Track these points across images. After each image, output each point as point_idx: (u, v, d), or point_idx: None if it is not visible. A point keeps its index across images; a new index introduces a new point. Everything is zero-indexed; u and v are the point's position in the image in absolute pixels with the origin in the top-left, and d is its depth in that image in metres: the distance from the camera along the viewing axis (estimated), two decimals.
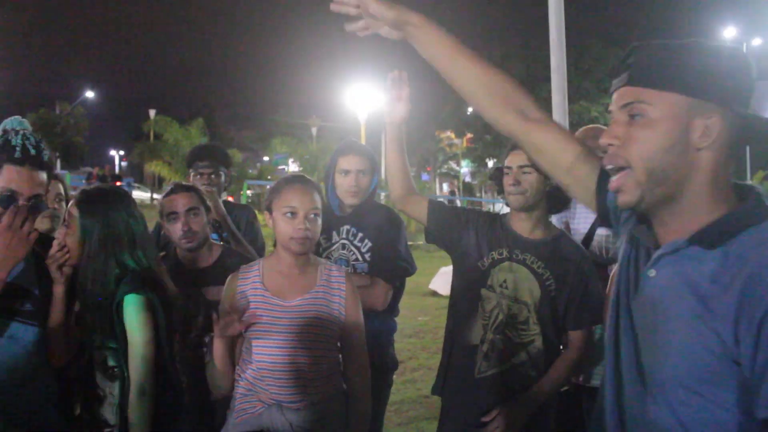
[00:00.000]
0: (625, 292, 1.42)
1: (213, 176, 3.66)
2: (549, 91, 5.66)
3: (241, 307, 2.33)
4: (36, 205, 2.18)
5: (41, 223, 2.86)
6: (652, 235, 1.39)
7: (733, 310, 1.18)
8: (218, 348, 2.35)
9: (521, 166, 2.58)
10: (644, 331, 1.35)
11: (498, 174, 2.74)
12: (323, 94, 34.79)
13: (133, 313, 2.32)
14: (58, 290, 2.31)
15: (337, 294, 2.41)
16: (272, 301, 2.36)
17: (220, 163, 3.73)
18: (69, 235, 2.36)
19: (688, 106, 1.27)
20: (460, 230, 2.74)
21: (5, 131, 2.22)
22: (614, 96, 1.36)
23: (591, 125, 3.59)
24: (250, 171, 27.98)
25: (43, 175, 2.22)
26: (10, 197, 2.12)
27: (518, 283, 2.61)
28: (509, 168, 2.64)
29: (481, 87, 1.65)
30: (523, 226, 2.67)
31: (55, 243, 2.32)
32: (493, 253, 2.67)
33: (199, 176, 3.66)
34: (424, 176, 41.36)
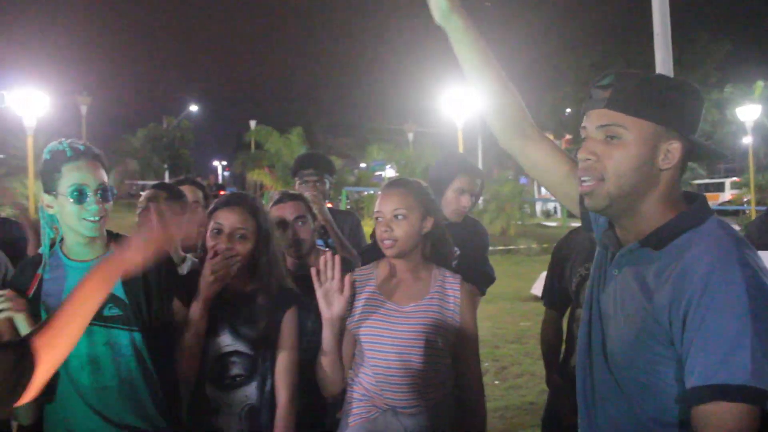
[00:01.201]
0: (596, 288, 1.66)
1: (318, 183, 3.75)
2: None
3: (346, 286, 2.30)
4: (104, 194, 2.22)
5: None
6: (616, 240, 1.61)
7: (668, 299, 1.42)
8: (326, 335, 2.33)
9: None
10: (607, 320, 1.59)
11: None
12: (419, 100, 34.81)
13: (294, 324, 2.44)
14: (206, 304, 2.36)
15: (451, 301, 2.37)
16: (387, 306, 2.35)
17: (325, 170, 3.82)
18: (244, 243, 2.41)
19: (656, 132, 1.49)
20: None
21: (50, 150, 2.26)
22: (591, 114, 1.55)
23: None
24: (348, 177, 28.35)
25: (101, 167, 2.25)
26: (81, 191, 2.17)
27: None
28: None
29: (496, 102, 1.83)
30: None
31: (222, 255, 2.34)
32: (580, 270, 2.60)
33: (304, 184, 3.74)
34: (523, 179, 40.68)
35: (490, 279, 3.26)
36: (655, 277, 1.47)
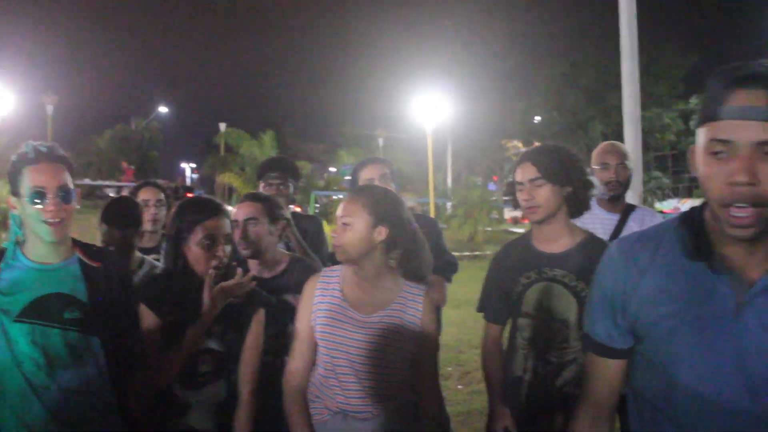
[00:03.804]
0: (712, 320, 1.39)
1: (282, 187, 3.76)
2: (620, 98, 5.53)
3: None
4: (65, 196, 2.19)
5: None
6: (723, 266, 1.39)
7: None
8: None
9: (532, 180, 2.50)
10: (757, 353, 1.35)
11: (512, 188, 2.65)
12: (389, 106, 34.90)
13: (262, 324, 2.52)
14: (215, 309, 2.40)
15: (412, 312, 2.36)
16: (349, 313, 2.34)
17: (289, 174, 3.83)
18: (226, 245, 2.47)
19: None
20: (502, 287, 2.72)
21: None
22: (743, 127, 1.27)
23: (608, 142, 3.72)
24: (318, 182, 28.28)
25: (64, 170, 2.23)
26: (41, 193, 2.16)
27: (552, 301, 2.53)
28: (521, 183, 2.55)
29: None
30: (546, 240, 2.58)
31: (241, 279, 2.44)
32: (522, 278, 2.59)
33: (268, 187, 3.75)
34: (491, 186, 41.01)
35: (453, 266, 3.33)
36: None
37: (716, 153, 1.30)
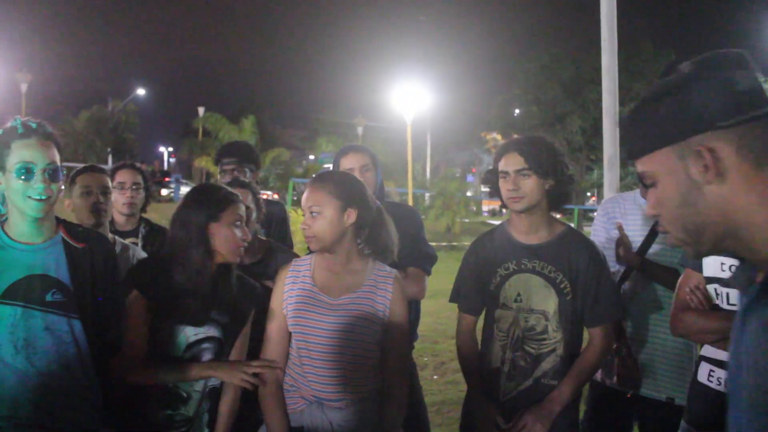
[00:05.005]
0: (733, 341, 1.22)
1: (236, 172, 3.63)
2: (598, 93, 5.57)
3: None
4: (52, 174, 2.16)
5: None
6: (746, 278, 1.23)
7: None
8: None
9: (519, 170, 2.50)
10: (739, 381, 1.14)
11: (492, 177, 2.65)
12: (370, 94, 34.96)
13: (252, 310, 2.53)
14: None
15: (382, 295, 2.38)
16: (319, 298, 2.35)
17: (245, 159, 3.72)
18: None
19: (674, 153, 1.20)
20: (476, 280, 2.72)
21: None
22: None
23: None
24: (296, 169, 28.20)
25: (53, 146, 2.19)
26: (28, 169, 2.12)
27: (532, 292, 2.54)
28: (505, 173, 2.55)
29: None
30: (526, 231, 2.60)
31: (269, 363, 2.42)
32: (500, 270, 2.60)
33: (223, 173, 3.66)
34: (469, 177, 41.17)
35: (432, 259, 3.27)
36: None
37: None
